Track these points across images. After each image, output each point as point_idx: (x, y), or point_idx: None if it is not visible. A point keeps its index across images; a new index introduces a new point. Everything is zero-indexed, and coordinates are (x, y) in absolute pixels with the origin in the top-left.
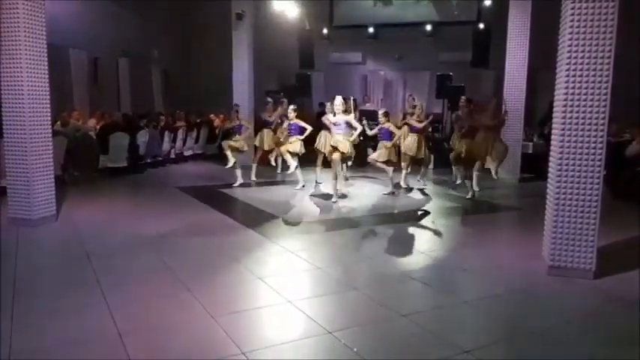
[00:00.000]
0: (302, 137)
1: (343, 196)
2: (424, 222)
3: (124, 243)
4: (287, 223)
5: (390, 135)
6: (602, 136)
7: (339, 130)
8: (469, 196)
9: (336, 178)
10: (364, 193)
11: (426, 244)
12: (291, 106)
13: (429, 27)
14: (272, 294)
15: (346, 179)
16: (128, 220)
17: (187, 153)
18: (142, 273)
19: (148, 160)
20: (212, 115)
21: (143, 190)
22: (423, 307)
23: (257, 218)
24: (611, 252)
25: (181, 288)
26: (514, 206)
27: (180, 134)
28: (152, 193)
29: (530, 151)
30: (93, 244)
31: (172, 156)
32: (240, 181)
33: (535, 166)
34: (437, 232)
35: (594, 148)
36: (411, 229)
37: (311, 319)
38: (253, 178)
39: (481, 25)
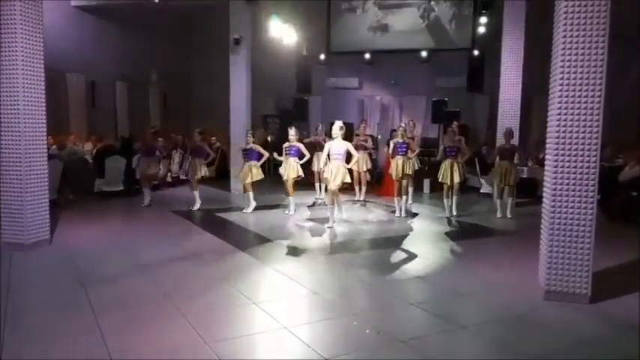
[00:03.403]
0: (301, 162)
1: (339, 221)
2: (420, 246)
3: (119, 267)
4: (283, 247)
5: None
6: (595, 162)
7: (338, 156)
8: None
9: (333, 203)
10: (360, 218)
11: (422, 269)
12: (293, 129)
13: (424, 53)
14: (268, 319)
15: (363, 204)
16: (123, 245)
17: (184, 176)
18: (137, 298)
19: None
20: (213, 139)
21: (139, 214)
22: (421, 333)
23: (253, 242)
24: (606, 276)
25: (176, 313)
26: (510, 230)
27: (176, 157)
28: (148, 217)
29: (524, 175)
30: (86, 268)
31: (169, 179)
32: (252, 206)
33: (530, 189)
34: (433, 257)
35: (587, 173)
36: (408, 254)
37: (307, 345)
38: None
39: (476, 52)
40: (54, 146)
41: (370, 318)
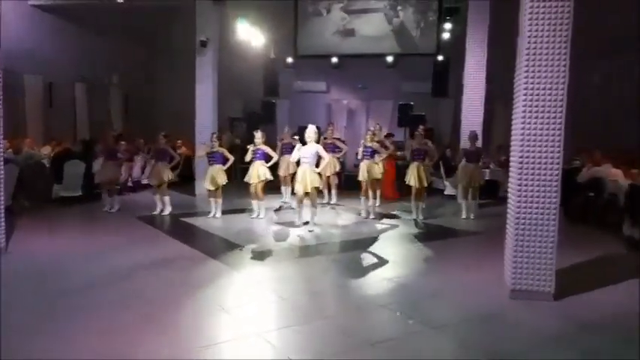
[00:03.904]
0: (267, 164)
1: (306, 224)
2: (389, 248)
3: (82, 276)
4: (252, 252)
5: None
6: (558, 164)
7: (307, 160)
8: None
9: (301, 202)
10: (329, 221)
11: (391, 271)
12: (259, 132)
13: (390, 58)
14: (240, 326)
15: (333, 207)
16: (86, 253)
17: (145, 181)
18: (104, 307)
19: (101, 190)
20: (179, 142)
21: (100, 221)
22: (393, 335)
23: (221, 248)
24: (568, 274)
25: (146, 322)
26: (475, 231)
27: (138, 161)
28: (111, 224)
29: (487, 177)
30: (47, 277)
31: (130, 184)
32: (213, 211)
33: (492, 191)
34: (402, 259)
35: (551, 174)
36: (376, 256)
37: (279, 350)
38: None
39: (440, 57)
40: (9, 150)
41: (341, 321)
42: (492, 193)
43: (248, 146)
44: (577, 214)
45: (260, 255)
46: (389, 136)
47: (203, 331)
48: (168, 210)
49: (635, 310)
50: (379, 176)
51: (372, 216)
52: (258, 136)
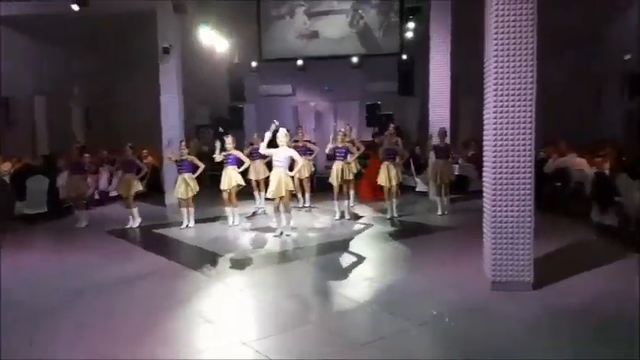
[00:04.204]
0: (239, 170)
1: (285, 229)
2: (367, 248)
3: (55, 294)
4: (230, 260)
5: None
6: (530, 157)
7: (281, 164)
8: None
9: (278, 210)
10: (306, 224)
11: (371, 270)
12: (230, 137)
13: (355, 59)
14: (225, 336)
15: (309, 210)
16: (54, 270)
17: (113, 193)
18: (84, 324)
19: (71, 204)
20: (145, 152)
21: (69, 237)
22: (381, 334)
23: (198, 259)
24: (543, 263)
25: (128, 337)
26: (450, 226)
27: (104, 173)
28: (80, 240)
29: (457, 173)
30: (21, 297)
31: (96, 197)
32: (186, 222)
33: (462, 186)
34: (381, 258)
35: (524, 167)
36: (356, 257)
37: (266, 356)
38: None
39: (404, 57)
40: None
41: (326, 324)
42: (462, 188)
43: (215, 151)
44: (545, 203)
45: (238, 263)
46: (377, 135)
47: (187, 343)
48: (137, 222)
49: (612, 296)
50: (351, 177)
51: (347, 217)
52: (229, 141)
